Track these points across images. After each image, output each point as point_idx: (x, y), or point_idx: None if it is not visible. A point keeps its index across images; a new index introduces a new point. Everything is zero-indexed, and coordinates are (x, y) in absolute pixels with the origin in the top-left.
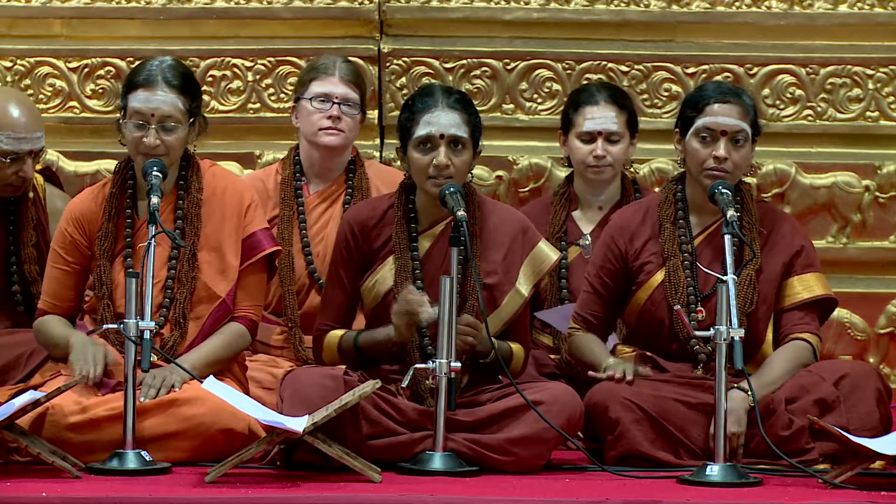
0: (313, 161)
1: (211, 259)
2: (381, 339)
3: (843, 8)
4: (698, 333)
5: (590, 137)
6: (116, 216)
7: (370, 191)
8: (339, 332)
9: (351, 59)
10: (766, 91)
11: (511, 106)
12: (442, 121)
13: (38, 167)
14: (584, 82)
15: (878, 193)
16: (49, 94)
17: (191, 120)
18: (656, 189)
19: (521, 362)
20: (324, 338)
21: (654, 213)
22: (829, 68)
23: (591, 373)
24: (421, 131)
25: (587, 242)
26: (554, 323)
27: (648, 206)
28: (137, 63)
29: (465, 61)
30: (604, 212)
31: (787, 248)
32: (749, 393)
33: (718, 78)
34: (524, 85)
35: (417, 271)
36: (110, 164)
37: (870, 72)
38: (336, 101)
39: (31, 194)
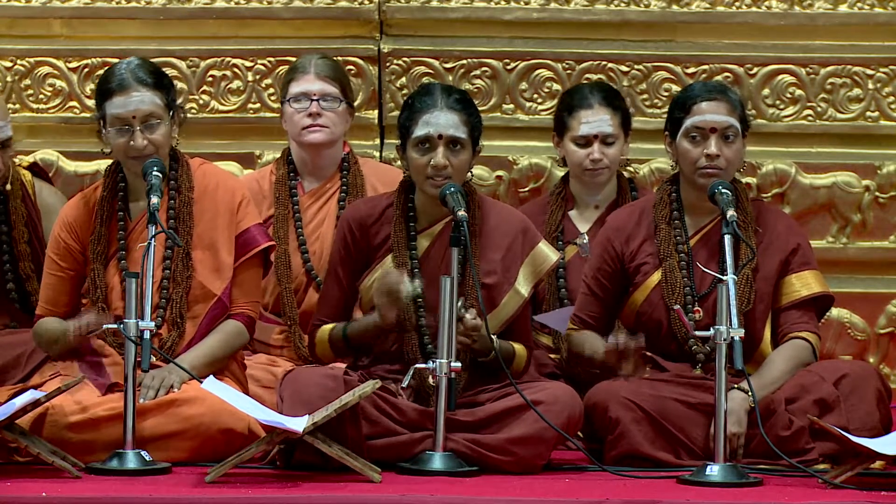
0: (304, 160)
1: (204, 258)
2: (368, 324)
3: (843, 8)
4: (698, 333)
5: (585, 141)
6: (108, 219)
7: (365, 188)
8: (329, 326)
9: (337, 57)
10: (766, 91)
11: (511, 106)
12: (441, 121)
13: (26, 163)
14: (584, 82)
15: (878, 193)
16: (49, 94)
17: (171, 113)
18: (655, 189)
19: (523, 362)
20: (316, 333)
21: (650, 215)
22: (829, 68)
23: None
24: (419, 131)
25: (584, 241)
26: (553, 325)
27: (643, 208)
28: (104, 71)
29: (465, 61)
30: (600, 211)
31: (784, 247)
32: (749, 393)
33: (718, 78)
34: (524, 85)
35: (416, 270)
36: None
37: (870, 72)
38: (314, 98)
39: (8, 186)
